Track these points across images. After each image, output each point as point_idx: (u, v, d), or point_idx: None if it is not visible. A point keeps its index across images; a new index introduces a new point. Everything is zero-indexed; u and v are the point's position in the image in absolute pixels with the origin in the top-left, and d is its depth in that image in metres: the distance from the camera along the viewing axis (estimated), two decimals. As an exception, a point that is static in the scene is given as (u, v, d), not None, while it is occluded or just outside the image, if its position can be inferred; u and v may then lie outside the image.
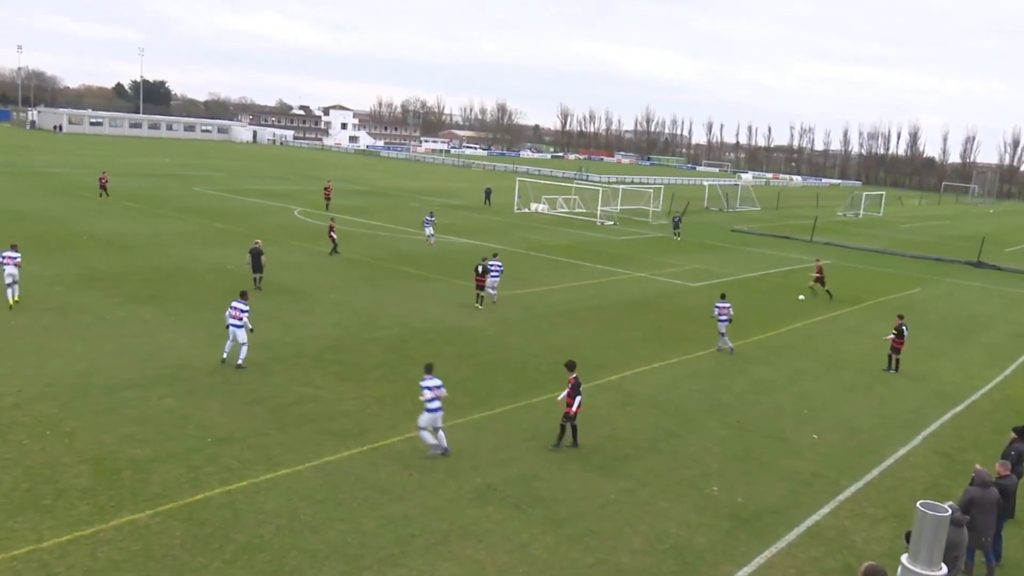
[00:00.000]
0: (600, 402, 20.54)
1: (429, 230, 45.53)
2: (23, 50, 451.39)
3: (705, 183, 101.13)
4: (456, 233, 50.64)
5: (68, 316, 24.27)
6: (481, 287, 29.95)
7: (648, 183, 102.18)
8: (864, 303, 37.34)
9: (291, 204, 59.30)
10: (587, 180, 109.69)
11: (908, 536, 8.70)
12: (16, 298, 24.89)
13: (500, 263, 30.62)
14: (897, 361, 25.87)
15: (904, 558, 8.16)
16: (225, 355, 20.96)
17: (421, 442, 16.34)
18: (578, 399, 17.18)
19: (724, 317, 26.16)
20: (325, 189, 60.57)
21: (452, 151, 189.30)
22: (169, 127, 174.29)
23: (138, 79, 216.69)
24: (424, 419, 16.21)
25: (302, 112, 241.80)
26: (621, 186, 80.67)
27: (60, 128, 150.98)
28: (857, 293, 39.57)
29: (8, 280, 24.84)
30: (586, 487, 15.65)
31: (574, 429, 17.40)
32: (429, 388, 16.15)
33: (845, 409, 21.87)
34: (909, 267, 52.18)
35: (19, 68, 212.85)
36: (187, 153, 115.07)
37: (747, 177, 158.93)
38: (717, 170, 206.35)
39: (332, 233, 38.89)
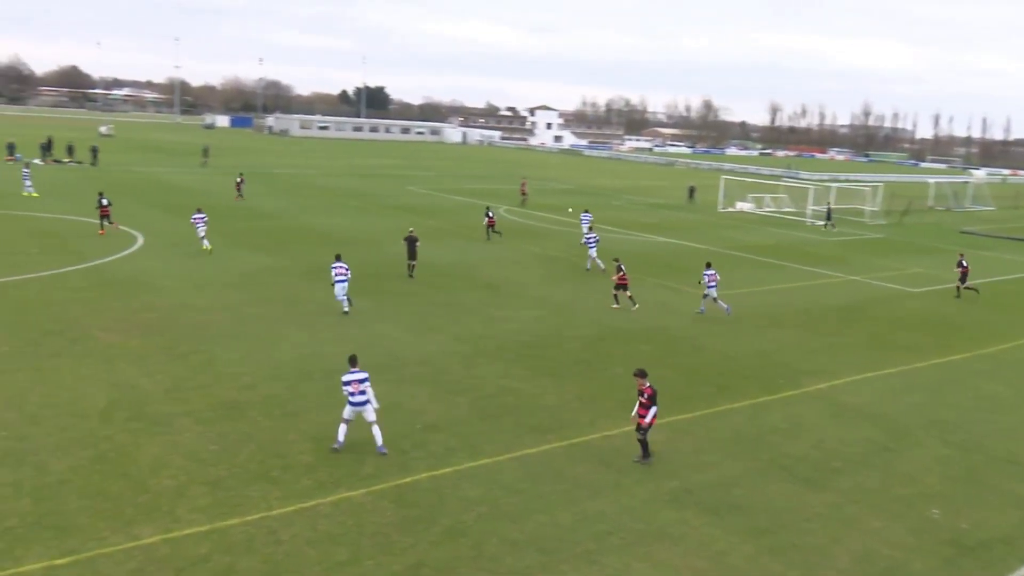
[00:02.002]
0: (806, 411, 19.60)
1: (586, 226, 42.47)
2: (263, 62, 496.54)
3: (930, 180, 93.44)
4: (657, 232, 50.09)
5: (295, 306, 26.43)
6: (622, 287, 28.82)
7: (865, 181, 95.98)
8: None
9: (497, 202, 61.13)
10: (797, 178, 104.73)
11: None
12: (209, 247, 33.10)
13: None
14: None
15: None
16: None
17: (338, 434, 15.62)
18: (653, 410, 15.64)
19: (713, 283, 28.19)
20: (521, 186, 62.35)
21: (655, 149, 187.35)
22: (387, 130, 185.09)
23: (360, 86, 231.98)
24: (347, 411, 15.60)
25: (509, 113, 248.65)
26: (834, 184, 76.32)
27: (285, 132, 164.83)
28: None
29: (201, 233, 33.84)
30: (789, 498, 15.00)
31: (644, 444, 15.94)
32: (348, 383, 15.55)
33: (1095, 434, 19.47)
34: None
35: (260, 79, 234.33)
36: (402, 154, 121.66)
37: (980, 174, 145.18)
38: (944, 166, 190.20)
39: (491, 223, 42.44)
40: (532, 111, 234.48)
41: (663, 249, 43.63)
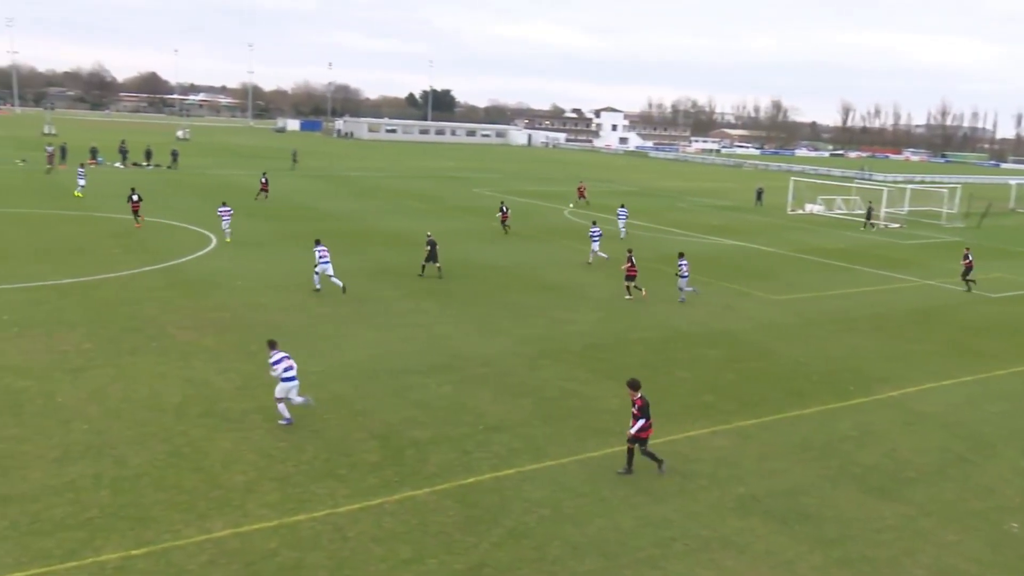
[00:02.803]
0: (879, 419, 19.07)
1: (622, 221, 46.12)
2: (333, 66, 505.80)
3: (1012, 182, 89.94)
4: (724, 234, 49.38)
5: (362, 306, 26.85)
6: (630, 278, 30.08)
7: (942, 182, 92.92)
8: None
9: (561, 204, 61.09)
10: (870, 179, 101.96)
11: None
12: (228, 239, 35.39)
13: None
14: None
15: None
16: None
17: (278, 414, 16.67)
18: (641, 422, 15.02)
19: (686, 273, 29.50)
20: (579, 188, 62.87)
21: (723, 151, 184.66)
22: (453, 132, 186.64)
23: (427, 89, 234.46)
24: (279, 389, 16.56)
25: (574, 115, 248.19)
26: (909, 186, 74.09)
27: (349, 135, 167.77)
28: None
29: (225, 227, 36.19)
30: (860, 508, 14.62)
31: (630, 453, 15.31)
32: (276, 362, 16.57)
33: None
34: None
35: (329, 83, 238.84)
36: (468, 156, 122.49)
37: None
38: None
39: (505, 218, 44.49)
40: (597, 113, 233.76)
41: (730, 252, 42.97)
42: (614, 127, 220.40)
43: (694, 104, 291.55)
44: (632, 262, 29.96)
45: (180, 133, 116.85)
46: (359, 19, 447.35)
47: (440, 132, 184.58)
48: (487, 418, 17.75)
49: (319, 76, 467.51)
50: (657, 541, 13.07)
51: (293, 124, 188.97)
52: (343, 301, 27.21)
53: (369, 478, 14.62)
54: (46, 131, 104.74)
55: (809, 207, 65.86)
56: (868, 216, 57.45)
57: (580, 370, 21.40)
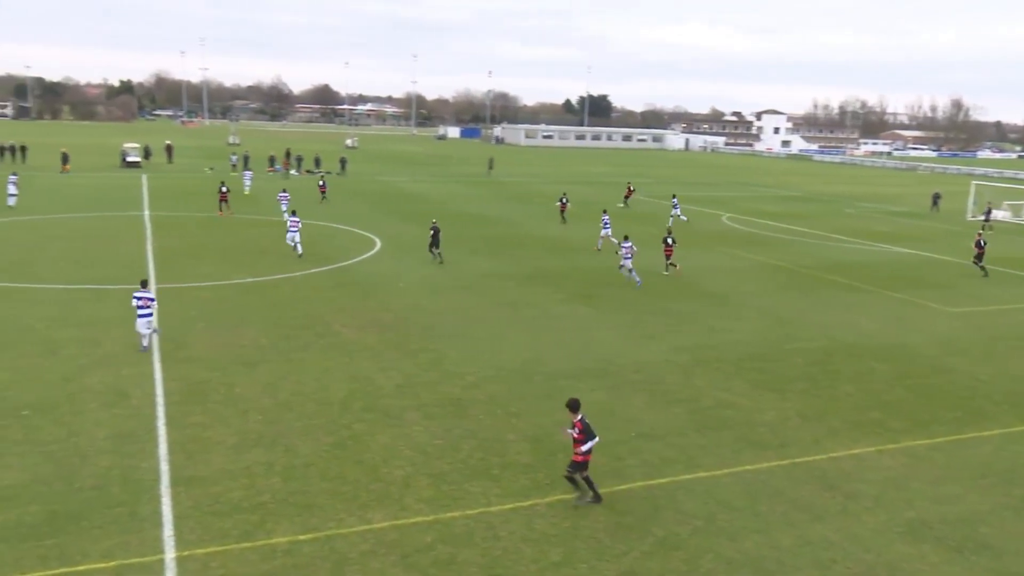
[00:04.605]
0: (1072, 445, 17.40)
1: (676, 211, 50.62)
2: (492, 74, 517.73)
3: None
4: (895, 242, 46.58)
5: (517, 309, 27.26)
6: (667, 257, 33.88)
7: None
8: None
9: (719, 210, 59.63)
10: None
11: None
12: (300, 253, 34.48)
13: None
14: None
15: None
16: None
17: (138, 341, 20.81)
18: (588, 444, 13.76)
19: (628, 255, 31.51)
20: (627, 189, 62.20)
21: (895, 153, 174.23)
22: (609, 137, 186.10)
23: (584, 95, 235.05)
24: (138, 324, 20.80)
25: (734, 118, 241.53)
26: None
27: (500, 140, 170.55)
28: None
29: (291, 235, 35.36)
30: (1048, 542, 13.39)
31: (587, 481, 14.01)
32: (138, 297, 20.63)
33: None
34: None
35: (488, 91, 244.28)
36: (623, 161, 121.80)
37: None
38: None
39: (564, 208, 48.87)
40: (758, 115, 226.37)
41: (902, 260, 40.49)
42: (776, 130, 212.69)
43: (863, 104, 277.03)
44: (668, 243, 33.98)
45: (349, 141, 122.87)
46: (516, 28, 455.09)
47: (596, 138, 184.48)
48: (639, 425, 17.59)
49: (479, 84, 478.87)
50: (816, 562, 12.51)
51: (453, 132, 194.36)
52: (499, 304, 27.72)
53: (521, 479, 14.83)
54: (231, 141, 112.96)
55: (994, 213, 61.00)
56: (987, 217, 54.96)
57: (737, 380, 20.81)
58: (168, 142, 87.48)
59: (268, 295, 27.75)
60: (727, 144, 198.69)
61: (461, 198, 61.02)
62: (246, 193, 56.33)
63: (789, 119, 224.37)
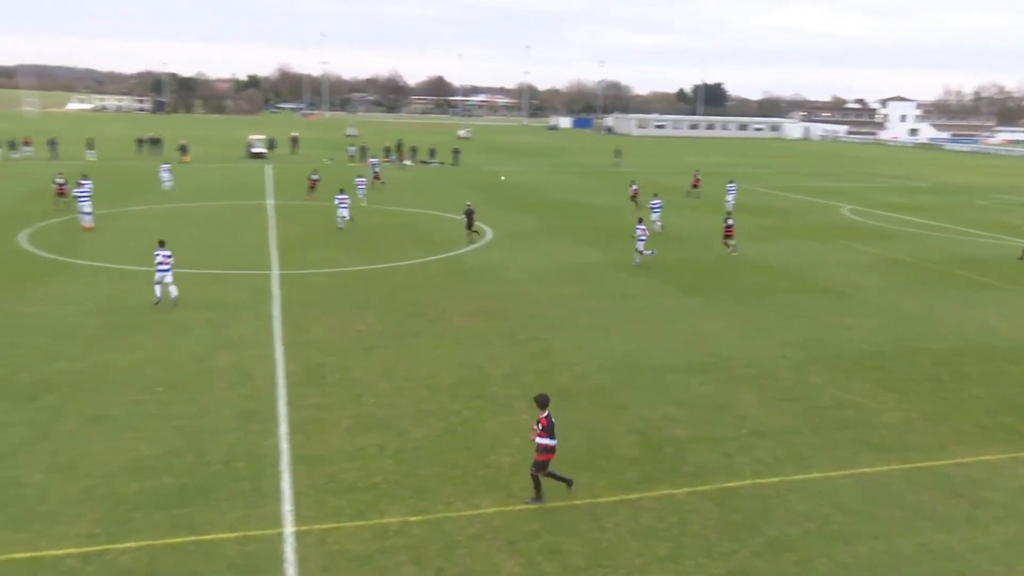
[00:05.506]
0: None
1: (731, 196, 50.45)
2: (604, 64, 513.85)
3: None
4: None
5: (625, 300, 27.06)
6: (728, 237, 35.32)
7: None
8: None
9: (839, 202, 57.40)
10: None
11: None
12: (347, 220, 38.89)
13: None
14: None
15: None
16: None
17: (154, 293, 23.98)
18: (546, 440, 13.35)
19: (643, 237, 32.60)
20: (694, 180, 59.43)
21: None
22: (723, 127, 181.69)
23: (698, 83, 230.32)
24: (156, 276, 24.07)
25: (857, 105, 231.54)
26: None
27: (611, 130, 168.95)
28: None
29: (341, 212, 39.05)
30: None
31: (536, 479, 13.57)
32: (158, 255, 24.13)
33: None
34: None
35: (600, 80, 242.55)
36: (739, 151, 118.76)
37: None
38: None
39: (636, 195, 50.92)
40: (884, 103, 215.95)
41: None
42: (903, 117, 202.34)
43: (1000, 90, 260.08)
44: (729, 225, 35.54)
45: (462, 132, 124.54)
46: (628, 16, 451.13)
47: (710, 127, 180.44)
48: (750, 422, 17.21)
49: (591, 74, 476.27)
50: (939, 572, 11.96)
51: (565, 122, 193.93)
52: (606, 294, 27.60)
53: (627, 472, 14.77)
54: (349, 133, 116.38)
55: None
56: None
57: (855, 379, 20.04)
58: (294, 134, 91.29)
59: (383, 282, 28.52)
60: (849, 133, 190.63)
61: (566, 188, 60.91)
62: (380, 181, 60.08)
63: (918, 106, 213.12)
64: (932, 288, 30.34)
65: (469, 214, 37.17)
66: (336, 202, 39.08)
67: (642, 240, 32.62)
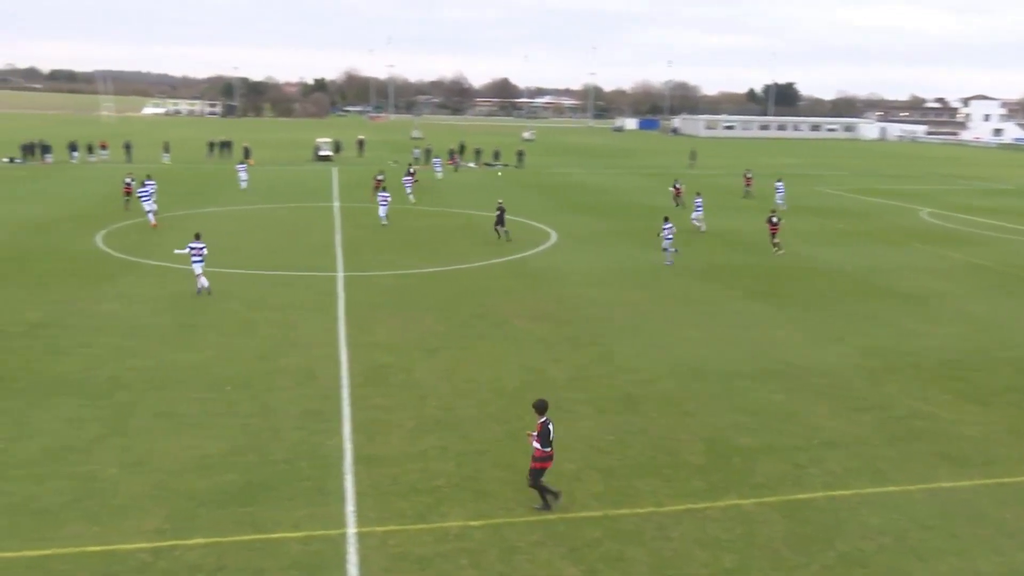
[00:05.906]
0: None
1: (780, 195, 50.65)
2: (672, 64, 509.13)
3: None
4: None
5: (691, 305, 26.58)
6: (773, 235, 35.80)
7: None
8: None
9: (918, 205, 55.52)
10: None
11: None
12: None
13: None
14: None
15: None
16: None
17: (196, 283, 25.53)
18: (536, 447, 13.01)
19: (670, 236, 32.61)
20: (745, 179, 59.03)
21: None
22: (795, 127, 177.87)
23: (768, 83, 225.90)
24: (194, 267, 25.63)
25: (937, 105, 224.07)
26: None
27: (677, 131, 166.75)
28: None
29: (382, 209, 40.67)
30: None
31: (541, 489, 13.21)
32: (192, 247, 25.71)
33: None
34: None
35: (667, 81, 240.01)
36: (811, 152, 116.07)
37: None
38: None
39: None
40: (966, 102, 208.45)
41: None
42: (987, 117, 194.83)
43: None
44: (773, 222, 36.10)
45: (526, 134, 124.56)
46: (695, 16, 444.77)
47: (781, 128, 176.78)
48: (822, 432, 16.66)
49: (658, 75, 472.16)
50: (1024, 594, 11.34)
51: (631, 123, 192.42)
52: (672, 299, 27.15)
53: (694, 480, 14.43)
54: (414, 135, 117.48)
55: None
56: None
57: (934, 389, 19.25)
58: (361, 137, 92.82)
59: (447, 284, 28.59)
60: (928, 133, 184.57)
61: (633, 191, 60.33)
62: (439, 177, 64.10)
63: (1004, 105, 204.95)
64: (1016, 295, 29.04)
65: (500, 212, 37.41)
66: (379, 199, 40.76)
67: (668, 239, 32.71)
